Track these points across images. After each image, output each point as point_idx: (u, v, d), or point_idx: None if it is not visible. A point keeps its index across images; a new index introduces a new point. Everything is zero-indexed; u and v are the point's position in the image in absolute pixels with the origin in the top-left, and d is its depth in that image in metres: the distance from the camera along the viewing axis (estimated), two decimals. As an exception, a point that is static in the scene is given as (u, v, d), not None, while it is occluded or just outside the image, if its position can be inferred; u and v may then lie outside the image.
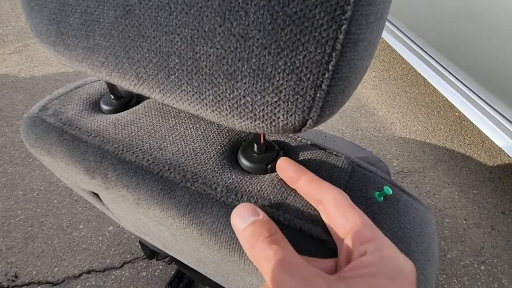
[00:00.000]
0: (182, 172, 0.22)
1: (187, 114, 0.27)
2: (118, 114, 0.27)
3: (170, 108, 0.28)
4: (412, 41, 1.36)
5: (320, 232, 0.19)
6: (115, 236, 0.96)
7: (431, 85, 1.58)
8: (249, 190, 0.21)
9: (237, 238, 0.20)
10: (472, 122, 1.08)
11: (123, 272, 0.88)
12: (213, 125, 0.26)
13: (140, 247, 0.93)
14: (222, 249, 0.20)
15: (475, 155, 1.27)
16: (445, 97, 1.44)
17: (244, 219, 0.17)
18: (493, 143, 1.29)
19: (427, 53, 1.27)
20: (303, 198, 0.21)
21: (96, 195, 0.36)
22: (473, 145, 1.31)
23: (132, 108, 0.28)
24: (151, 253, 0.73)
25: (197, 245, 0.25)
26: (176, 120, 0.26)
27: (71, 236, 0.96)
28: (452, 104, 1.31)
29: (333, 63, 0.13)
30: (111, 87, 0.27)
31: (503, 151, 0.97)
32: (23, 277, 0.86)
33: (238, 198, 0.21)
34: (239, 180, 0.22)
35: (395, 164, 1.23)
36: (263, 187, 0.21)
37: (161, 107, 0.28)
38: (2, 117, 1.35)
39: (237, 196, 0.21)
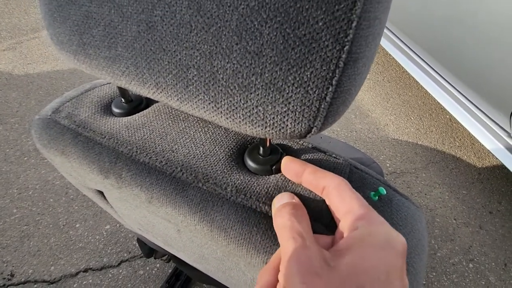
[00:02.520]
0: (194, 173, 0.24)
1: (195, 118, 0.29)
2: (129, 117, 0.29)
3: (179, 112, 0.29)
4: (406, 45, 1.39)
5: (320, 228, 0.21)
6: (112, 235, 0.96)
7: (423, 88, 1.62)
8: (257, 191, 0.23)
9: (244, 235, 0.21)
10: (462, 125, 1.12)
11: (120, 271, 0.89)
12: (220, 129, 0.27)
13: (137, 245, 0.94)
14: (230, 244, 0.22)
15: (465, 157, 1.31)
16: (437, 100, 1.48)
17: (281, 201, 0.21)
18: (482, 145, 1.33)
19: (419, 56, 1.31)
20: (305, 197, 0.22)
21: (101, 194, 0.37)
22: (463, 147, 1.35)
23: (142, 112, 0.29)
24: (149, 251, 0.74)
25: (204, 242, 0.27)
26: (186, 124, 0.28)
27: (67, 235, 0.96)
28: (443, 107, 1.35)
29: (336, 79, 0.15)
30: (123, 92, 0.29)
31: (491, 153, 1.01)
32: (19, 275, 0.86)
33: (247, 198, 0.22)
34: (247, 181, 0.23)
35: (388, 165, 1.26)
36: (269, 188, 0.23)
37: (170, 111, 0.29)
38: (-4, 115, 1.34)
39: (246, 196, 0.22)
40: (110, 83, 0.33)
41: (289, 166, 0.23)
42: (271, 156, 0.25)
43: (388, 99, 1.59)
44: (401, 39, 1.42)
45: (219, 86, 0.16)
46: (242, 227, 0.21)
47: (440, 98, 1.21)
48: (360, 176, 0.24)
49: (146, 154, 0.25)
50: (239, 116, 0.17)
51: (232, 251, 0.23)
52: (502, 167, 1.26)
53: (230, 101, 0.16)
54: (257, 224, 0.21)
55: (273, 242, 0.21)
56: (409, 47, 1.37)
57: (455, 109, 1.14)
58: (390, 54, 1.87)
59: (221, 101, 0.17)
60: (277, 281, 0.18)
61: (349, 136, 1.39)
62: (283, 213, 0.19)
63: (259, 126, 0.17)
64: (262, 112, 0.16)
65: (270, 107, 0.16)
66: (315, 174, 0.21)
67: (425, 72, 1.29)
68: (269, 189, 0.23)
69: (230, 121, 0.17)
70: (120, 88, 0.29)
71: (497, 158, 0.99)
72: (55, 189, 1.07)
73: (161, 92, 0.18)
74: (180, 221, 0.24)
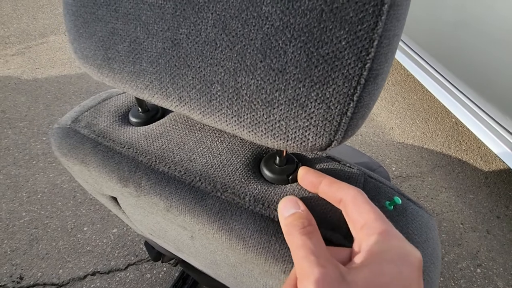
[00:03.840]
0: (212, 183, 0.24)
1: (211, 128, 0.29)
2: (147, 126, 0.29)
3: (195, 122, 0.30)
4: (411, 48, 1.39)
5: (339, 238, 0.21)
6: (120, 238, 0.97)
7: (428, 91, 1.61)
8: (274, 200, 0.23)
9: (263, 243, 0.22)
10: (468, 129, 1.12)
11: (128, 274, 0.89)
12: (236, 138, 0.28)
13: (144, 249, 0.95)
14: (249, 253, 0.22)
15: (471, 161, 1.30)
16: (442, 104, 1.48)
17: (288, 210, 0.21)
18: (489, 149, 1.32)
19: (425, 60, 1.31)
20: (322, 207, 0.23)
21: (115, 199, 0.38)
22: (470, 151, 1.35)
23: (159, 121, 0.30)
24: (157, 255, 0.74)
25: (220, 248, 0.27)
26: (202, 133, 0.28)
27: (75, 238, 0.97)
28: (449, 110, 1.34)
29: (358, 95, 0.15)
30: (140, 102, 0.29)
31: (498, 157, 1.00)
32: (28, 278, 0.87)
33: (265, 207, 0.23)
34: (264, 190, 0.24)
35: (393, 168, 1.26)
36: None
37: (186, 121, 0.30)
38: (5, 119, 1.36)
39: (264, 205, 0.23)
40: (125, 92, 0.34)
41: (306, 177, 0.23)
42: (287, 165, 0.25)
43: (393, 103, 1.59)
44: (406, 43, 1.42)
45: (242, 101, 0.17)
46: (261, 236, 0.22)
47: (446, 101, 1.20)
48: (374, 186, 0.24)
49: (165, 163, 0.26)
50: (262, 130, 0.17)
51: (249, 259, 0.23)
52: (509, 171, 1.25)
53: (253, 115, 0.17)
54: (276, 233, 0.22)
55: None
56: (414, 50, 1.37)
57: (461, 113, 1.14)
58: (395, 58, 1.87)
59: (244, 115, 0.17)
60: None
61: (354, 139, 1.38)
62: (292, 231, 0.19)
63: (281, 139, 0.17)
64: (285, 126, 0.17)
65: (292, 122, 0.16)
66: (331, 186, 0.21)
67: (430, 76, 1.29)
68: None
69: (252, 135, 0.18)
70: (137, 98, 0.29)
71: (504, 162, 0.99)
72: (63, 193, 1.09)
73: (184, 106, 0.19)
74: (198, 229, 0.24)
